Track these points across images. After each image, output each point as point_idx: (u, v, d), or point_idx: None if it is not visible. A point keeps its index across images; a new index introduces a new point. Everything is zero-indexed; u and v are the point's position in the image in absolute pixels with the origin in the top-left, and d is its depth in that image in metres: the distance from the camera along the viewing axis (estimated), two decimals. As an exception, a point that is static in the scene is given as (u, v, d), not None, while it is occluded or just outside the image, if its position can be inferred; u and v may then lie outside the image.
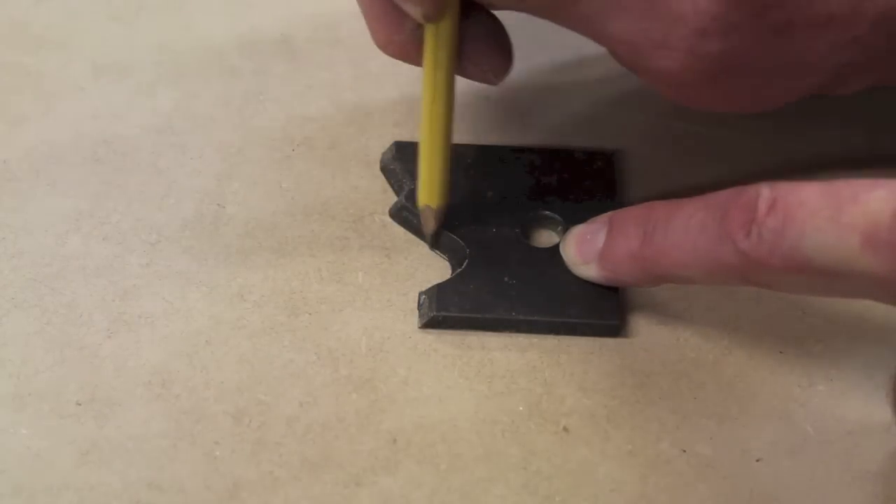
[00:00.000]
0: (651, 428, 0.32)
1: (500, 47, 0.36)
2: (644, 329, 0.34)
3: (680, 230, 0.31)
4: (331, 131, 0.40)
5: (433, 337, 0.34)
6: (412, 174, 0.37)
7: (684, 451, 0.32)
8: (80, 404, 0.33)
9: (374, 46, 0.36)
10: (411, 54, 0.35)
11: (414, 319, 0.35)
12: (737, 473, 0.31)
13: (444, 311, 0.34)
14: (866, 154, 0.39)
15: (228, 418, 0.32)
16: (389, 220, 0.37)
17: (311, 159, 0.39)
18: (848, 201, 0.27)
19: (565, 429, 0.32)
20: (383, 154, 0.39)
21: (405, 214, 0.37)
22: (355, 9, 0.35)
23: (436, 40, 0.34)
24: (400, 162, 0.38)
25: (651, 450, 0.32)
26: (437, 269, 0.36)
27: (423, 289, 0.35)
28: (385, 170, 0.39)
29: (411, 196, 0.37)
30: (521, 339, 0.34)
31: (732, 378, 0.33)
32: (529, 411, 0.33)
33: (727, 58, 0.32)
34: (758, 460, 0.32)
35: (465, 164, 0.38)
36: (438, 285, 0.35)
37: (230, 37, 0.43)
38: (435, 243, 0.36)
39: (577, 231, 0.35)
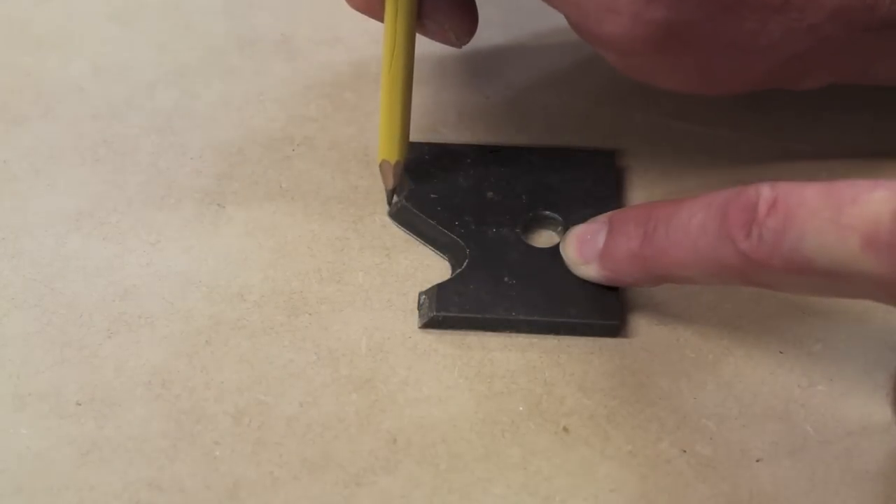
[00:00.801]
0: (651, 428, 0.32)
1: (465, 9, 0.36)
2: (644, 329, 0.34)
3: (680, 230, 0.31)
4: (331, 131, 0.40)
5: (433, 337, 0.34)
6: (412, 174, 0.37)
7: (684, 451, 0.32)
8: (80, 404, 0.33)
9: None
10: (375, 7, 0.35)
11: (414, 319, 0.35)
12: (737, 473, 0.31)
13: (444, 311, 0.34)
14: (867, 153, 0.39)
15: (228, 418, 0.32)
16: (389, 220, 0.37)
17: (311, 159, 0.39)
18: (848, 202, 0.27)
19: (565, 429, 0.32)
20: (383, 154, 0.39)
21: (405, 215, 0.37)
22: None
23: None
24: (400, 161, 0.38)
25: (651, 450, 0.32)
26: (437, 269, 0.36)
27: (423, 289, 0.35)
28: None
29: (411, 196, 0.37)
30: (521, 339, 0.34)
31: (732, 378, 0.33)
32: (529, 411, 0.33)
33: (673, 28, 0.32)
34: (758, 460, 0.32)
35: (465, 164, 0.38)
36: (438, 285, 0.35)
37: (230, 37, 0.43)
38: (392, 201, 0.37)
39: (577, 231, 0.34)
